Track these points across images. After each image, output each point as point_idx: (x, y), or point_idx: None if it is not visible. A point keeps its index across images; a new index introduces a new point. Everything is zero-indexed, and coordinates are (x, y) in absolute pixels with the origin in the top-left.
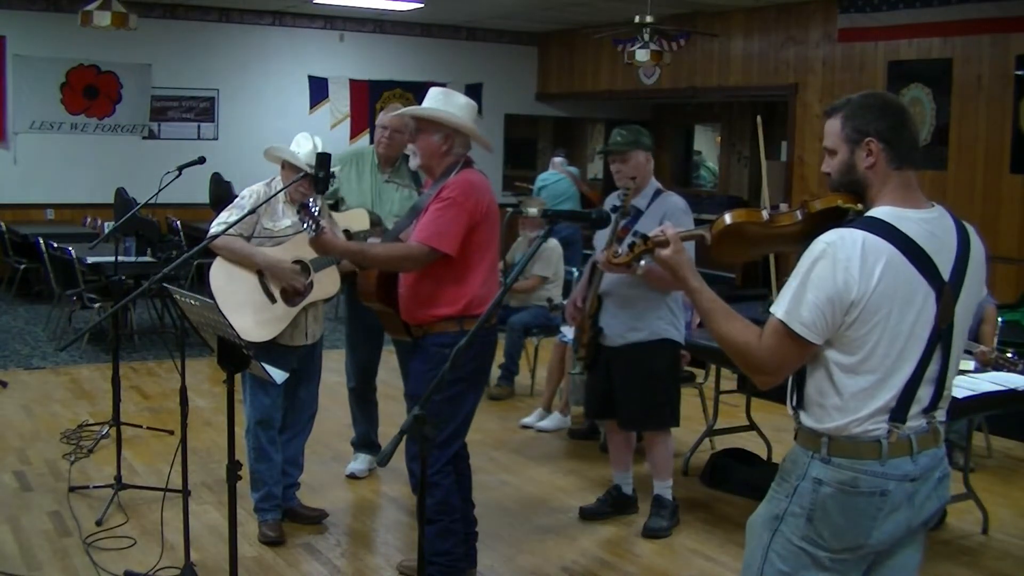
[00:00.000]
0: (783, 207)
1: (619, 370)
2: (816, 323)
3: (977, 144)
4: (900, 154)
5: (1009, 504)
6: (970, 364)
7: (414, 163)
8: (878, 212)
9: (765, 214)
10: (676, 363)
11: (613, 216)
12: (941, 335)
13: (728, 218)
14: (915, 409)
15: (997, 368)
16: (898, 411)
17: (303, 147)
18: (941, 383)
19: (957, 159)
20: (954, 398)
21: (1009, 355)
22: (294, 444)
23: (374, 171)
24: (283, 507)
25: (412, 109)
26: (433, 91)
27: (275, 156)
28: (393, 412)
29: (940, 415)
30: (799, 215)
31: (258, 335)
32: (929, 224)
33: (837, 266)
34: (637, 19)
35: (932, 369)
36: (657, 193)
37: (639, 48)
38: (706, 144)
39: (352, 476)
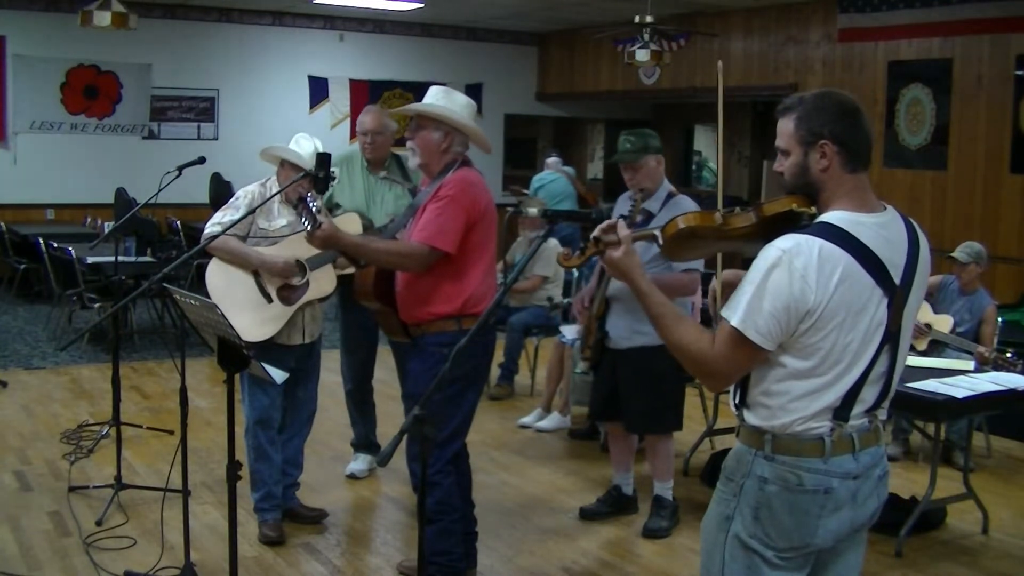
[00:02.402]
0: (737, 209)
1: (624, 373)
2: (771, 331)
3: (977, 144)
4: (854, 157)
5: (1009, 504)
6: (970, 364)
7: (414, 162)
8: (833, 217)
9: (718, 216)
10: (680, 367)
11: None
12: (890, 337)
13: (680, 222)
14: (858, 408)
15: (997, 368)
16: (842, 410)
17: (305, 148)
18: (887, 383)
19: (957, 159)
20: (954, 398)
21: (1009, 355)
22: (293, 444)
23: (364, 172)
24: (283, 507)
25: (414, 106)
26: (434, 89)
27: (274, 156)
28: (392, 412)
29: (882, 414)
30: (753, 218)
31: (256, 335)
32: (883, 229)
33: (793, 275)
34: (637, 19)
35: (878, 370)
36: (669, 196)
37: (639, 48)
38: (706, 144)
39: (352, 476)
